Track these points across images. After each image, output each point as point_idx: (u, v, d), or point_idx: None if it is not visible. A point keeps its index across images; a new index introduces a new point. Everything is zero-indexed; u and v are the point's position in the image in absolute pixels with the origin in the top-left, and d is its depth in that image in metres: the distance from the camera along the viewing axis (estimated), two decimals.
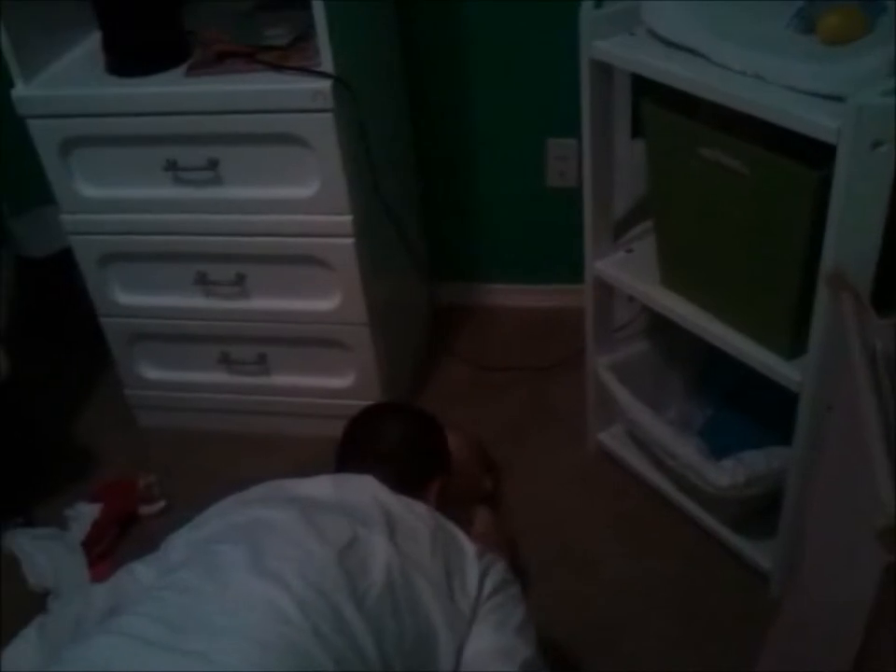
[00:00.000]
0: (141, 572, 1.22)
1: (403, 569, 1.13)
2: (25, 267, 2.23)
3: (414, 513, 1.24)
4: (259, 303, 1.90)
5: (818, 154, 1.18)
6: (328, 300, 1.87)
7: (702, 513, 1.72)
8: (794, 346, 1.39)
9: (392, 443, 1.43)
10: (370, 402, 1.97)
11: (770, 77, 1.24)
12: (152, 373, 2.08)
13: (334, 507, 1.21)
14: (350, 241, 1.77)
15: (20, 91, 1.72)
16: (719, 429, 1.79)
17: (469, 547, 1.23)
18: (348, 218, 1.75)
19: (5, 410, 1.96)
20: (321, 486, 1.27)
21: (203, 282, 1.89)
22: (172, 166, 1.74)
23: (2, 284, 2.08)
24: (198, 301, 1.92)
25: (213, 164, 1.72)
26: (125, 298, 1.96)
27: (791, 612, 1.42)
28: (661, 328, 1.77)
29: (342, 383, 1.99)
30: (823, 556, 1.24)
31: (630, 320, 1.88)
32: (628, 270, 1.67)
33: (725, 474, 1.55)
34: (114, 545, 1.87)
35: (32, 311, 2.20)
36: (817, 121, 1.16)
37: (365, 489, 1.27)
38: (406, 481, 1.33)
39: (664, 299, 1.59)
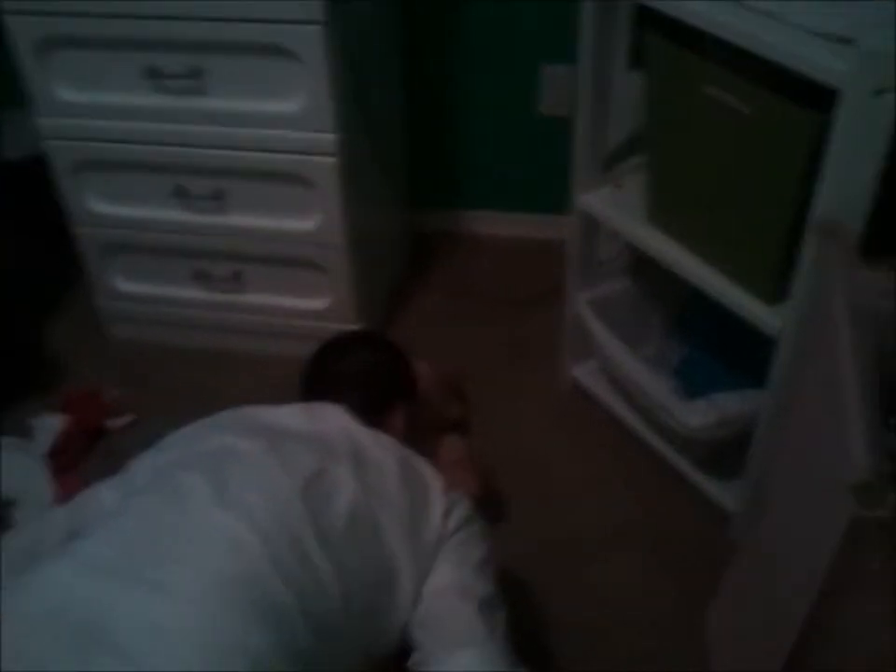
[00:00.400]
0: (105, 495, 1.20)
1: (368, 504, 1.12)
2: (1, 169, 2.16)
3: (382, 445, 1.23)
4: (237, 220, 1.87)
5: (818, 101, 1.16)
6: (307, 219, 1.84)
7: (671, 452, 1.73)
8: (777, 292, 1.39)
9: (357, 369, 1.42)
10: (344, 326, 1.99)
11: (780, 15, 1.21)
12: (126, 285, 2.04)
13: (304, 436, 1.20)
14: (333, 160, 1.73)
15: None
16: (695, 369, 1.79)
17: (435, 482, 1.23)
18: (332, 137, 1.71)
19: None
20: (292, 415, 1.26)
21: (180, 195, 1.85)
22: (153, 73, 1.68)
23: None
24: (175, 214, 1.89)
25: (196, 73, 1.67)
26: (100, 207, 1.92)
27: (748, 558, 1.45)
28: (644, 265, 1.75)
29: (317, 304, 1.97)
30: (787, 505, 1.26)
31: (615, 256, 1.87)
32: (615, 205, 1.65)
33: (696, 414, 1.57)
34: (79, 458, 1.85)
35: (5, 214, 2.14)
36: (823, 63, 1.13)
37: (335, 419, 1.26)
38: (371, 407, 1.32)
39: (649, 237, 1.58)
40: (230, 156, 1.77)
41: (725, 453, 1.65)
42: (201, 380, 2.00)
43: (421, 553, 1.15)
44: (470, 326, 2.12)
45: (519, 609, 1.52)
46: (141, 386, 1.99)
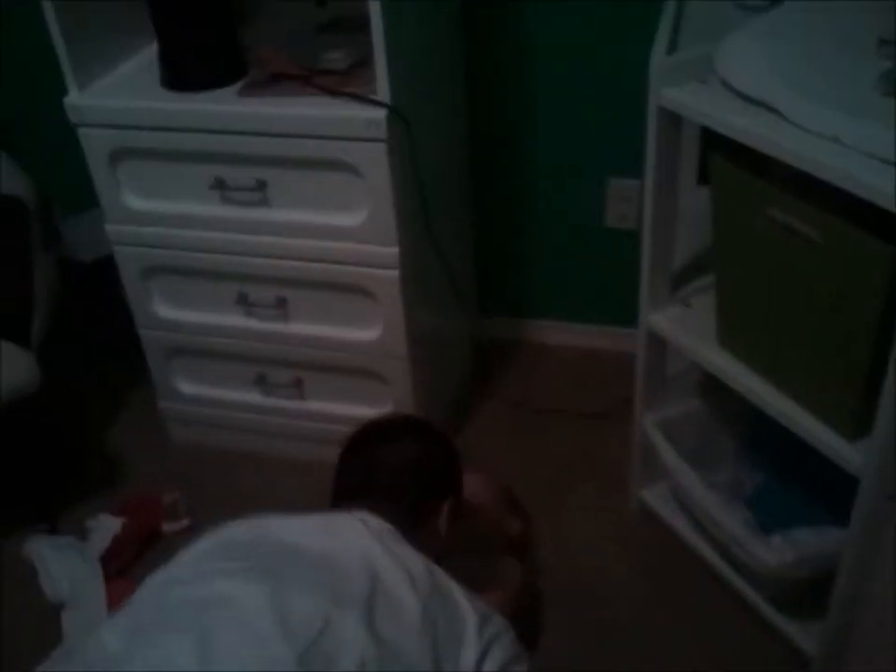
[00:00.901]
0: (107, 639, 1.09)
1: (380, 661, 1.01)
2: (72, 270, 2.20)
3: (406, 577, 1.10)
4: (299, 328, 1.86)
5: None
6: (368, 330, 1.81)
7: (745, 586, 1.62)
8: (857, 427, 1.29)
9: (401, 461, 1.30)
10: None
11: (849, 142, 1.15)
12: (187, 388, 2.04)
13: (314, 563, 1.09)
14: (395, 273, 1.71)
15: (73, 98, 1.69)
16: (770, 499, 1.68)
17: (471, 615, 1.10)
18: (395, 251, 1.69)
19: (37, 415, 1.93)
20: (307, 531, 1.16)
21: (243, 302, 1.85)
22: (219, 185, 1.69)
23: (47, 287, 2.06)
24: (237, 321, 1.88)
25: (261, 185, 1.68)
26: (165, 311, 1.93)
27: None
28: (715, 383, 1.67)
29: (377, 413, 1.93)
30: None
31: (683, 372, 1.79)
32: (684, 326, 1.58)
33: (773, 552, 1.46)
34: (133, 561, 1.84)
35: (74, 315, 2.17)
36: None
37: (356, 538, 1.14)
38: (412, 511, 1.23)
39: (719, 362, 1.50)
40: (292, 266, 1.77)
41: (806, 591, 1.53)
42: (259, 485, 1.98)
43: None
44: (535, 439, 2.05)
45: None
46: (198, 490, 1.97)
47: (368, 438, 1.36)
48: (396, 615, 1.06)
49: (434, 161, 1.78)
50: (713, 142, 1.35)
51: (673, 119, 1.40)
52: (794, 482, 1.65)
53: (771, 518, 1.59)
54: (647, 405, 1.72)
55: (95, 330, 2.23)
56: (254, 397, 2.00)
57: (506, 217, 2.19)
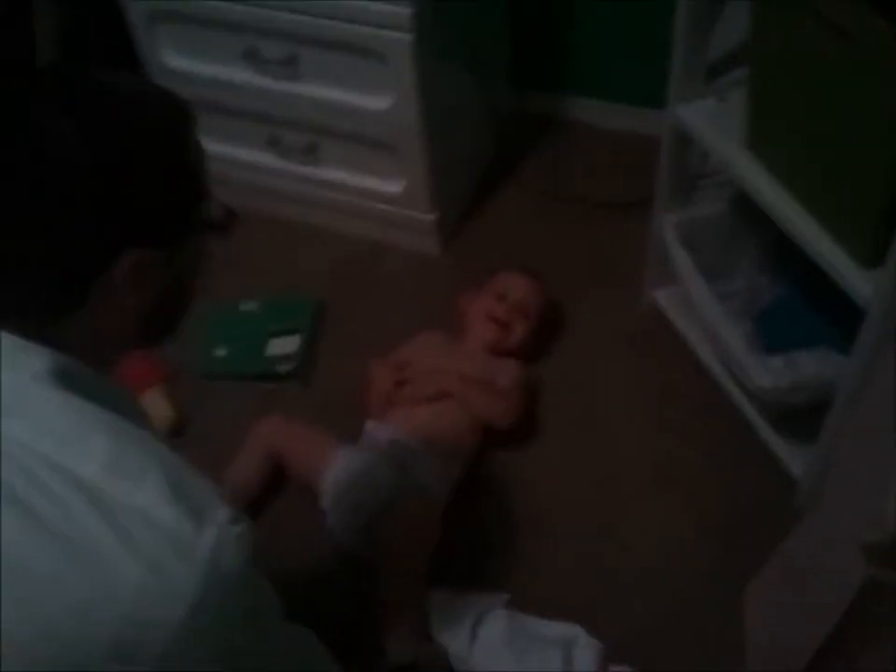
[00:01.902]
0: None
1: None
2: None
3: None
4: (311, 90, 1.75)
5: None
6: (380, 98, 1.69)
7: (743, 401, 1.56)
8: (873, 254, 1.17)
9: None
10: (418, 213, 1.87)
11: None
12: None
13: None
14: (407, 36, 1.57)
15: None
16: (782, 315, 1.57)
17: None
18: (408, 11, 1.53)
19: None
20: None
21: (254, 57, 1.73)
22: None
23: None
24: (249, 77, 1.77)
25: None
26: (176, 61, 1.82)
27: (797, 542, 1.29)
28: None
29: (390, 188, 1.86)
30: (833, 508, 1.10)
31: (711, 171, 1.65)
32: (713, 121, 1.42)
33: (769, 374, 1.38)
34: None
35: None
36: None
37: None
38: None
39: (743, 165, 1.35)
40: (303, 21, 1.63)
41: (803, 414, 1.46)
42: (265, 248, 1.95)
43: None
44: (556, 228, 1.95)
45: (536, 551, 1.46)
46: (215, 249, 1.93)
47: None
48: None
49: None
50: None
51: None
52: (812, 301, 1.54)
53: (779, 335, 1.50)
54: (667, 204, 1.60)
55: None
56: (268, 158, 1.93)
57: None
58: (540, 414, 1.64)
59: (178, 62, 1.82)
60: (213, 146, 1.92)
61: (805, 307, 1.55)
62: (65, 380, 0.74)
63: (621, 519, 1.50)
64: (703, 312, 1.51)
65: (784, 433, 1.51)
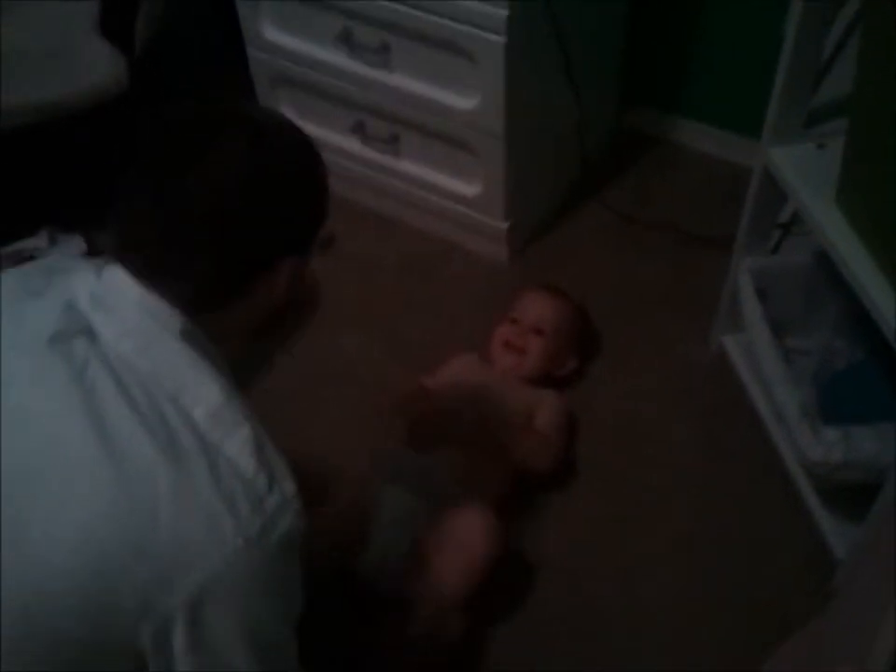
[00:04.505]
0: None
1: None
2: None
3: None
4: (399, 80, 1.72)
5: None
6: (466, 98, 1.65)
7: (796, 467, 1.46)
8: None
9: (200, 190, 0.88)
10: (491, 220, 1.82)
11: None
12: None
13: None
14: (500, 39, 1.51)
15: None
16: (856, 383, 1.47)
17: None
18: (503, 13, 1.48)
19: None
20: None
21: (348, 40, 1.71)
22: None
23: None
24: (341, 60, 1.75)
25: None
26: (273, 34, 1.82)
27: (829, 620, 1.20)
28: None
29: (466, 190, 1.82)
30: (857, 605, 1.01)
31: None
32: (805, 169, 1.33)
33: (821, 446, 1.29)
34: None
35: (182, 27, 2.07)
36: None
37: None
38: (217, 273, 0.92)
39: (825, 217, 1.26)
40: (396, 9, 1.59)
41: (858, 491, 1.36)
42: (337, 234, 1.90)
43: None
44: (634, 254, 1.87)
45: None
46: None
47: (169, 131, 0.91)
48: None
49: None
50: None
51: None
52: (890, 375, 1.43)
53: (845, 405, 1.41)
54: (746, 246, 1.51)
55: (203, 47, 2.13)
56: (352, 144, 1.91)
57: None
58: (578, 452, 1.57)
59: (276, 35, 1.82)
60: (299, 124, 1.94)
61: (880, 379, 1.44)
62: (191, 337, 0.89)
63: (642, 577, 1.43)
64: (763, 366, 1.42)
65: (833, 508, 1.42)
